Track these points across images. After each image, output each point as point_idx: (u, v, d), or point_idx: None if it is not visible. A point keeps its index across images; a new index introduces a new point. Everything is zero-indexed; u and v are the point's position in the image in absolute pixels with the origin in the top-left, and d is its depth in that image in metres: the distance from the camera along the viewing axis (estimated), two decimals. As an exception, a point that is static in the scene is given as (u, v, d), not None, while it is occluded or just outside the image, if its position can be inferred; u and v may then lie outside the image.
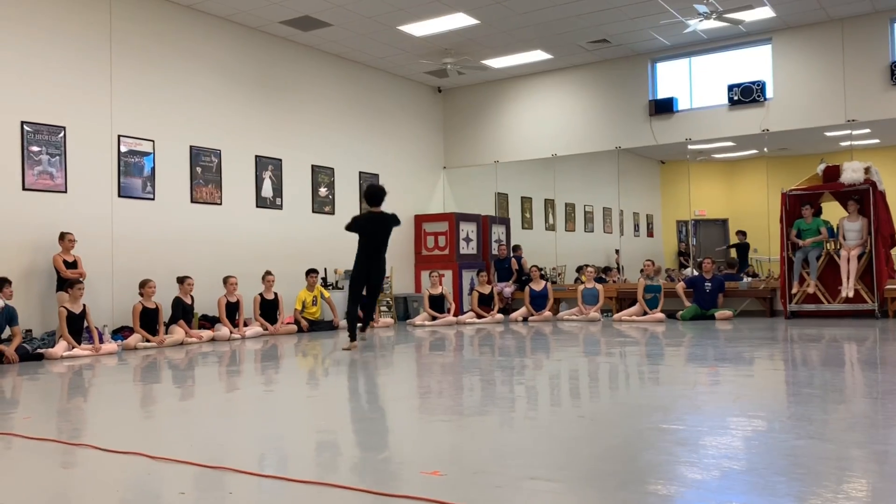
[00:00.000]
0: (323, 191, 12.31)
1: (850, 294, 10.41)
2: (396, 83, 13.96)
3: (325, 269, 12.00)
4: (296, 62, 11.96)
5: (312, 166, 12.18)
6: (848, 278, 10.48)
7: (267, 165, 11.39)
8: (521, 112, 14.29)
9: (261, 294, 10.48)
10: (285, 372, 6.80)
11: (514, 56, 12.96)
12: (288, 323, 10.67)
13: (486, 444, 3.43)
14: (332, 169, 12.55)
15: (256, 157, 11.25)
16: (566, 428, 3.76)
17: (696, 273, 12.06)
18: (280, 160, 11.59)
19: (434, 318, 11.65)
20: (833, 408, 4.12)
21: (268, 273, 10.57)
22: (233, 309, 10.00)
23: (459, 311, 12.48)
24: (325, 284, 11.81)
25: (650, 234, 15.63)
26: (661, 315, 11.09)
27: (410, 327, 11.29)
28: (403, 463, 3.14)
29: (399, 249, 13.63)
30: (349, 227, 8.08)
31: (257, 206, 11.24)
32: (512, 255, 13.71)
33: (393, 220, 8.03)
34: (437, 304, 11.98)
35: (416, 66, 13.11)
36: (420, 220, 14.04)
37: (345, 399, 5.04)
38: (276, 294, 10.59)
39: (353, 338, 7.95)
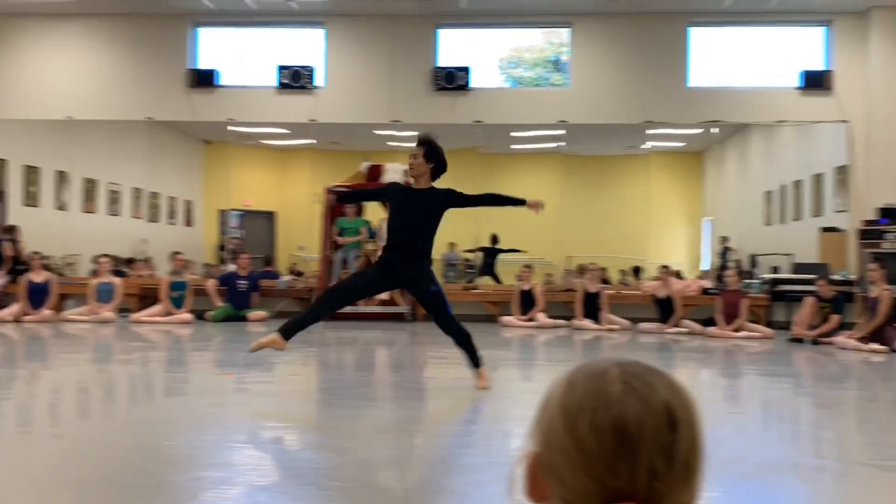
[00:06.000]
0: None
1: (386, 296, 11.64)
2: None
3: None
4: None
5: None
6: (383, 280, 11.70)
7: None
8: (29, 59, 12.91)
9: None
10: None
11: (21, -12, 11.70)
12: None
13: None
14: None
15: None
16: (37, 453, 3.49)
17: (232, 270, 12.27)
18: None
19: None
20: (359, 414, 4.52)
21: None
22: None
23: (-77, 309, 10.78)
24: None
25: (189, 223, 15.48)
26: (187, 316, 11.01)
27: None
28: None
29: None
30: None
31: None
32: (5, 237, 12.33)
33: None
34: None
35: None
36: None
37: None
38: None
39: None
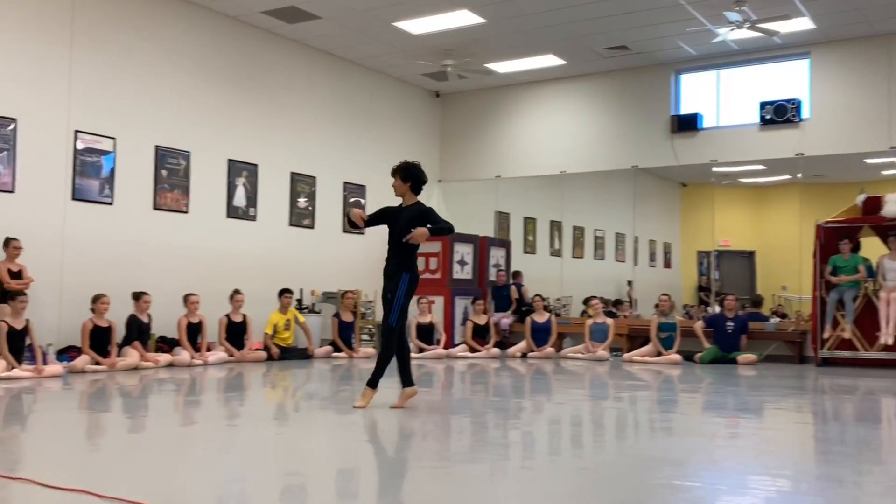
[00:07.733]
0: (302, 201, 12.34)
1: (890, 341, 10.45)
2: (390, 85, 14.05)
3: (301, 290, 11.98)
4: (278, 57, 12.04)
5: (292, 174, 12.22)
6: (887, 323, 10.53)
7: (241, 171, 11.41)
8: (528, 123, 14.38)
9: (227, 315, 10.45)
10: (251, 405, 6.78)
11: (523, 60, 13.06)
12: (256, 349, 10.64)
13: (473, 496, 3.43)
14: (314, 178, 12.59)
15: (230, 161, 11.28)
16: (565, 481, 3.77)
17: (717, 311, 12.09)
18: (256, 166, 11.62)
19: (421, 350, 11.65)
20: (867, 469, 4.13)
21: (236, 292, 10.55)
22: (195, 331, 9.97)
23: (451, 344, 12.47)
24: (301, 307, 11.79)
25: (667, 264, 15.69)
26: (676, 357, 11.11)
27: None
28: (381, 513, 3.13)
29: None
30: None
31: (228, 216, 11.24)
32: (512, 282, 13.73)
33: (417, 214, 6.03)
34: (426, 334, 11.98)
35: (413, 67, 13.21)
36: (410, 239, 14.08)
37: (317, 439, 5.02)
38: (244, 316, 10.56)
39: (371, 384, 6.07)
